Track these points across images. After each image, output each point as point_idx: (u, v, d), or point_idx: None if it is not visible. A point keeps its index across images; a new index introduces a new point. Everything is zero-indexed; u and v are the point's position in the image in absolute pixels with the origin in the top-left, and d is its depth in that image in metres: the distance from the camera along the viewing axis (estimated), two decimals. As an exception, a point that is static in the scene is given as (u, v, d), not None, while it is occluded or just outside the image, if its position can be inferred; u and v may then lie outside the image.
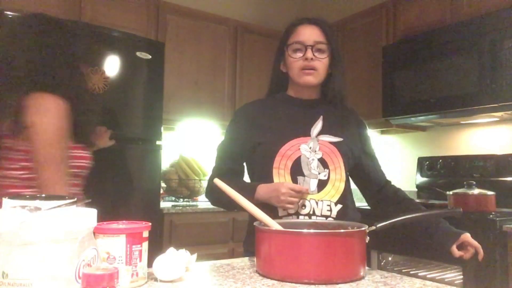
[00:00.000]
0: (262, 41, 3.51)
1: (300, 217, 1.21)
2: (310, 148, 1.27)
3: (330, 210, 1.24)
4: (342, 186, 1.28)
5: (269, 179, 1.25)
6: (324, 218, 1.23)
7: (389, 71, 2.81)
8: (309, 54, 1.29)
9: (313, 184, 1.24)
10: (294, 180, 1.24)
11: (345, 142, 1.32)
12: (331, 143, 1.30)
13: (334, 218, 1.24)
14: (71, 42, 1.48)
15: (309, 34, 1.32)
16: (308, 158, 1.26)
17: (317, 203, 1.23)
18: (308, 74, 1.31)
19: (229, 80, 3.33)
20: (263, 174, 1.28)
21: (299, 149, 1.26)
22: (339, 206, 1.26)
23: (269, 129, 1.31)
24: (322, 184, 1.25)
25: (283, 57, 1.37)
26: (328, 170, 1.27)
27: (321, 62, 1.32)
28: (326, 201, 1.24)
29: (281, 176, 1.24)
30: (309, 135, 1.30)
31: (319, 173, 1.26)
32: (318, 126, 1.31)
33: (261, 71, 3.42)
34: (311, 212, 1.22)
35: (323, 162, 1.27)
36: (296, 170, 1.24)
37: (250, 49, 3.45)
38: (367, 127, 1.49)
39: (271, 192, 1.19)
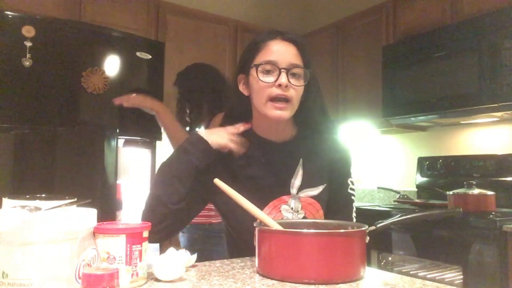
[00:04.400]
0: (262, 41, 3.51)
1: None
2: (292, 208, 1.15)
3: None
4: None
5: (250, 243, 0.99)
6: None
7: (389, 71, 2.81)
8: (284, 79, 1.06)
9: None
10: None
11: (327, 188, 1.19)
12: (312, 197, 1.16)
13: None
14: None
15: (284, 53, 1.09)
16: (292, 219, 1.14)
17: None
18: (280, 109, 1.08)
19: (229, 80, 3.32)
20: (241, 238, 1.12)
21: (280, 211, 1.14)
22: None
23: (245, 185, 1.10)
24: None
25: (246, 77, 1.14)
26: None
27: (296, 91, 1.09)
28: None
29: None
30: (289, 192, 1.15)
31: None
32: (298, 176, 1.15)
33: (261, 71, 3.41)
34: None
35: None
36: None
37: (250, 49, 3.45)
38: (350, 163, 1.25)
39: (215, 131, 1.12)
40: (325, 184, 1.19)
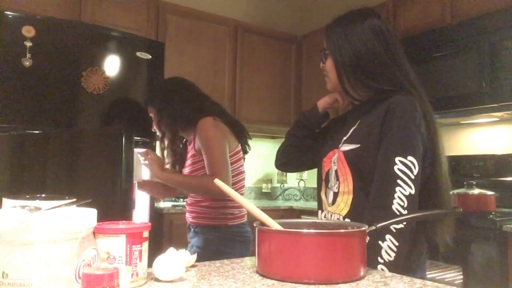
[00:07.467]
0: (262, 41, 3.51)
1: None
2: (335, 160, 1.25)
3: None
4: (350, 199, 1.18)
5: (319, 189, 1.35)
6: None
7: (389, 71, 2.80)
8: (321, 63, 1.38)
9: (330, 196, 1.25)
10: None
11: (360, 148, 1.17)
12: (344, 152, 1.21)
13: None
14: None
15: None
16: (332, 170, 1.25)
17: (331, 215, 1.23)
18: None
19: (229, 80, 3.33)
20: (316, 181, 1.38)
21: (331, 160, 1.27)
22: (347, 220, 1.18)
23: (327, 135, 1.40)
24: (336, 196, 1.22)
25: None
26: (338, 182, 1.22)
27: (327, 69, 1.36)
28: (336, 215, 1.21)
29: (322, 188, 1.31)
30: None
31: (333, 185, 1.24)
32: (349, 133, 1.24)
33: (261, 71, 3.42)
34: None
35: (337, 174, 1.22)
36: (326, 182, 1.28)
37: (250, 49, 3.45)
38: (403, 140, 1.11)
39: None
40: (359, 145, 1.17)
